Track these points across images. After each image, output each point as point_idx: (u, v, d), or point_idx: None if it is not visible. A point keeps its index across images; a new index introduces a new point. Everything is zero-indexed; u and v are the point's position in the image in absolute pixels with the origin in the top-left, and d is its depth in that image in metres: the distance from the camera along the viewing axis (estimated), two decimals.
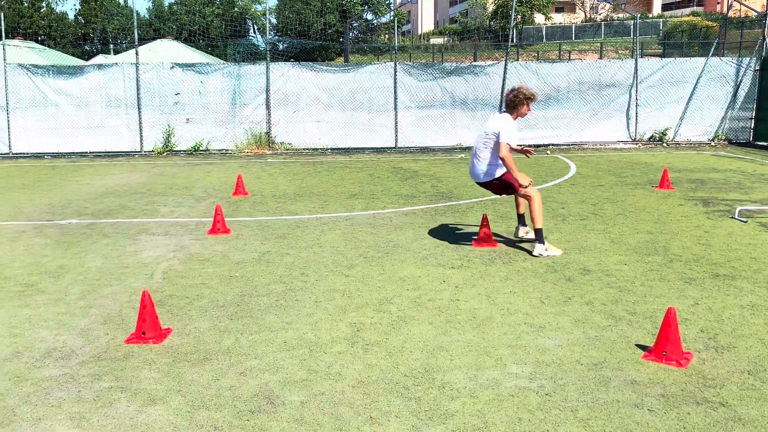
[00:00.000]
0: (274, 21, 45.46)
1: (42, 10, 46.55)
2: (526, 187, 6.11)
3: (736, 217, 7.63)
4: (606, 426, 3.07)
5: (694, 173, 11.41)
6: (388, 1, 51.13)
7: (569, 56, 39.91)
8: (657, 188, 9.79)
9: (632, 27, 39.58)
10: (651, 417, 3.15)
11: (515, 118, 6.15)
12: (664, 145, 16.37)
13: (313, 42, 36.50)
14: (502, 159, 6.02)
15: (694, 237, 6.77)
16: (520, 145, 6.27)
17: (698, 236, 6.80)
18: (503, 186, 6.31)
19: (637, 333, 4.19)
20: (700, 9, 53.31)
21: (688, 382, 3.51)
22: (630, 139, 16.62)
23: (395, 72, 15.97)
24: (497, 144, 6.07)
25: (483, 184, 6.42)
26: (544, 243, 6.09)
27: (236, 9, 48.46)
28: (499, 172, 6.22)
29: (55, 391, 3.47)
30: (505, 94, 6.07)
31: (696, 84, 16.44)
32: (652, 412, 3.19)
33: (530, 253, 6.14)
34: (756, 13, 18.40)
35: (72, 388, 3.50)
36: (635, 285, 5.20)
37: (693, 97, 16.50)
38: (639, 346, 3.99)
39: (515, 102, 6.09)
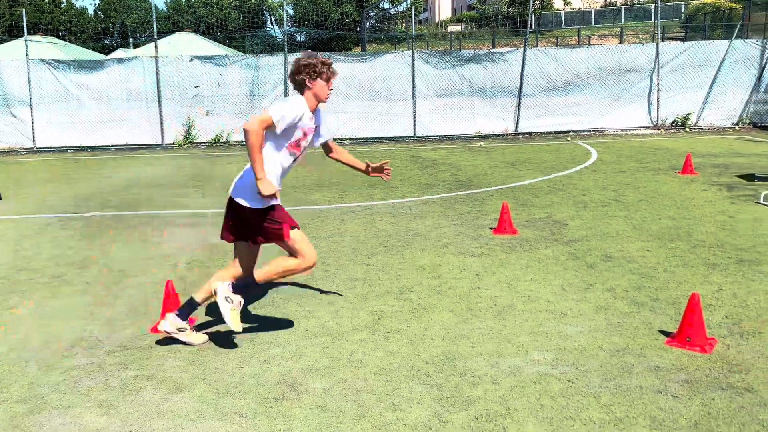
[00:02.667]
0: (291, 12, 45.46)
1: (62, 6, 47.03)
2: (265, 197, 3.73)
3: (761, 201, 7.51)
4: (629, 412, 3.06)
5: (717, 158, 11.24)
6: None
7: (589, 41, 39.41)
8: (680, 174, 9.67)
9: (653, 10, 38.97)
10: (675, 403, 3.13)
11: (315, 101, 4.11)
12: (687, 130, 16.14)
13: (330, 32, 36.48)
14: (245, 133, 3.64)
15: (718, 222, 6.68)
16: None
17: (722, 221, 6.71)
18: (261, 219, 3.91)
19: (660, 319, 4.16)
20: None
21: (712, 368, 3.48)
22: (652, 125, 16.41)
23: (413, 60, 15.91)
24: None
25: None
26: (185, 318, 3.94)
27: (253, 1, 48.54)
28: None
29: (83, 379, 3.54)
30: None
31: (719, 67, 16.16)
32: (676, 398, 3.17)
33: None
34: None
35: (99, 377, 3.57)
36: (658, 271, 5.15)
37: (716, 80, 16.23)
38: (662, 332, 3.96)
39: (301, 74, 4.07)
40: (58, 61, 15.91)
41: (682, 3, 48.97)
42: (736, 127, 16.21)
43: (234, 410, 3.18)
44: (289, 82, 4.04)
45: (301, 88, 4.06)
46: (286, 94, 15.76)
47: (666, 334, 3.92)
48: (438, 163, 11.67)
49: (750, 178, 7.44)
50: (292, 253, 3.91)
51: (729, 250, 5.66)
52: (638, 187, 8.79)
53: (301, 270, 3.92)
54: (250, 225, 3.93)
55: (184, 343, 3.91)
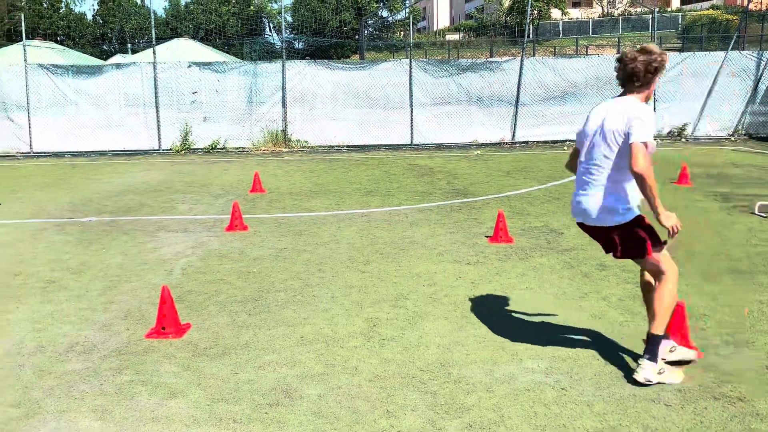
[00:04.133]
0: (289, 19, 45.56)
1: (61, 11, 47.07)
2: (669, 237, 3.45)
3: (756, 212, 7.55)
4: (622, 420, 3.07)
5: (713, 168, 11.29)
6: None
7: (586, 51, 39.61)
8: (676, 184, 9.71)
9: (650, 21, 39.17)
10: (668, 411, 3.15)
11: (646, 101, 3.61)
12: (683, 140, 16.21)
13: (328, 40, 36.57)
14: (638, 178, 3.36)
15: (713, 233, 6.71)
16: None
17: (717, 232, 6.74)
18: (632, 237, 3.54)
19: None
20: (719, 2, 52.63)
21: (705, 377, 3.49)
22: None
23: (410, 69, 15.97)
24: (627, 150, 3.42)
25: (601, 230, 3.64)
26: (656, 360, 3.47)
27: (252, 7, 48.65)
28: (630, 211, 3.55)
29: (78, 384, 3.54)
30: (621, 62, 3.58)
31: (715, 78, 16.24)
32: (669, 407, 3.19)
33: (634, 376, 3.51)
34: None
35: (94, 382, 3.57)
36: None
37: (713, 91, 16.31)
38: None
39: (648, 71, 3.50)
40: (56, 66, 15.92)
41: (680, 14, 49.29)
42: (732, 138, 16.29)
43: (229, 416, 3.18)
44: (625, 77, 3.55)
45: (642, 87, 3.54)
46: (284, 102, 15.80)
47: None
48: (435, 171, 11.70)
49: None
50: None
51: (724, 261, 5.69)
52: None
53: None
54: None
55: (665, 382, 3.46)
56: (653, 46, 3.54)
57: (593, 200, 3.55)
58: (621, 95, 3.62)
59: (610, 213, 3.52)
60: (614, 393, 3.34)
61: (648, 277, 3.72)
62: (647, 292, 3.68)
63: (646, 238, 3.49)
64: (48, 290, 5.22)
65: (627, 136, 3.40)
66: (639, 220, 3.52)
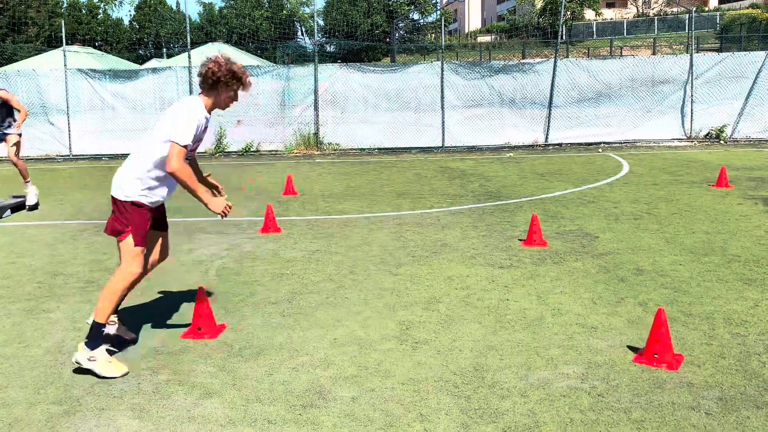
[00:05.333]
0: (321, 23, 45.89)
1: (99, 17, 48.17)
2: (221, 215, 3.92)
3: None
4: (660, 428, 3.01)
5: (753, 171, 11.02)
6: (434, 0, 51.02)
7: (621, 52, 39.03)
8: (714, 187, 9.50)
9: (687, 21, 38.41)
10: (708, 420, 3.07)
11: (210, 107, 4.01)
12: (722, 142, 15.86)
13: (360, 43, 36.71)
14: (173, 174, 3.74)
15: (753, 237, 6.55)
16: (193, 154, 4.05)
17: (758, 236, 6.57)
18: (120, 218, 3.87)
19: (693, 335, 4.09)
20: (759, 1, 51.35)
21: (747, 385, 3.41)
22: (685, 137, 16.17)
23: (442, 71, 15.94)
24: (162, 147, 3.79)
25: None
26: (96, 346, 3.68)
27: (284, 12, 49.13)
28: (133, 191, 3.87)
29: (116, 383, 3.61)
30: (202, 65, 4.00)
31: (755, 79, 15.87)
32: (709, 415, 3.12)
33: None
34: None
35: (132, 381, 3.63)
36: (691, 286, 5.07)
37: (752, 92, 15.93)
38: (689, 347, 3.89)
39: (215, 80, 3.93)
40: (94, 70, 16.29)
41: (718, 14, 48.24)
42: None
43: (263, 417, 3.21)
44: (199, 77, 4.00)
45: (210, 90, 3.99)
46: (315, 105, 15.90)
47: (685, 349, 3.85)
48: (467, 174, 11.65)
49: None
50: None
51: (765, 266, 5.54)
52: (671, 200, 8.66)
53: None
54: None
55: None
56: None
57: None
58: None
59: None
60: (652, 400, 3.28)
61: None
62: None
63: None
64: (87, 290, 5.33)
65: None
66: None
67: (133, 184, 3.86)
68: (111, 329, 3.99)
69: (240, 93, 4.12)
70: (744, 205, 8.14)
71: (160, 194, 4.02)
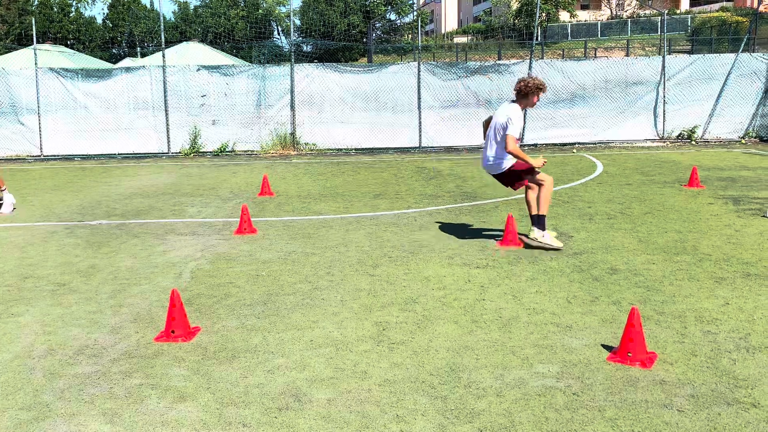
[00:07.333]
0: (298, 22, 45.67)
1: (71, 15, 47.38)
2: (539, 168, 6.18)
3: (767, 215, 7.49)
4: (634, 426, 3.04)
5: (724, 171, 11.22)
6: (411, 1, 51.12)
7: (595, 54, 39.49)
8: (686, 187, 9.65)
9: (659, 23, 39.00)
10: (680, 417, 3.11)
11: (524, 108, 6.31)
12: (693, 143, 16.13)
13: (336, 43, 36.64)
14: (510, 153, 6.13)
15: (724, 236, 6.66)
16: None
17: (728, 235, 6.69)
18: (511, 177, 6.40)
19: (666, 333, 4.14)
20: (729, 4, 52.31)
21: (718, 382, 3.46)
22: (657, 138, 16.41)
23: (419, 72, 15.97)
24: (504, 137, 6.20)
25: (495, 177, 6.58)
26: (544, 230, 6.20)
27: (260, 11, 48.83)
28: (507, 164, 6.35)
29: (87, 387, 3.54)
30: (516, 84, 6.29)
31: (725, 80, 16.17)
32: (681, 413, 3.16)
33: (526, 236, 6.27)
34: None
35: (104, 385, 3.57)
36: (663, 284, 5.13)
37: (722, 93, 16.23)
38: (661, 345, 3.93)
39: (526, 91, 6.20)
40: (66, 69, 16.02)
41: (689, 16, 49.06)
42: (743, 141, 16.19)
43: (238, 420, 3.17)
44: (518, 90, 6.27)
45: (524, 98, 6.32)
46: (292, 104, 15.84)
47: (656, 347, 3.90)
48: (443, 174, 11.68)
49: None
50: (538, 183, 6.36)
51: (735, 264, 5.64)
52: (644, 199, 8.78)
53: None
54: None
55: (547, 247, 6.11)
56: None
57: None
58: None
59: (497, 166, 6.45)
60: (626, 398, 3.31)
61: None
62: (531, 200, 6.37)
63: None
64: (58, 293, 5.24)
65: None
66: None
67: (506, 161, 6.33)
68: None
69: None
70: (715, 205, 8.28)
71: (509, 163, 6.33)
